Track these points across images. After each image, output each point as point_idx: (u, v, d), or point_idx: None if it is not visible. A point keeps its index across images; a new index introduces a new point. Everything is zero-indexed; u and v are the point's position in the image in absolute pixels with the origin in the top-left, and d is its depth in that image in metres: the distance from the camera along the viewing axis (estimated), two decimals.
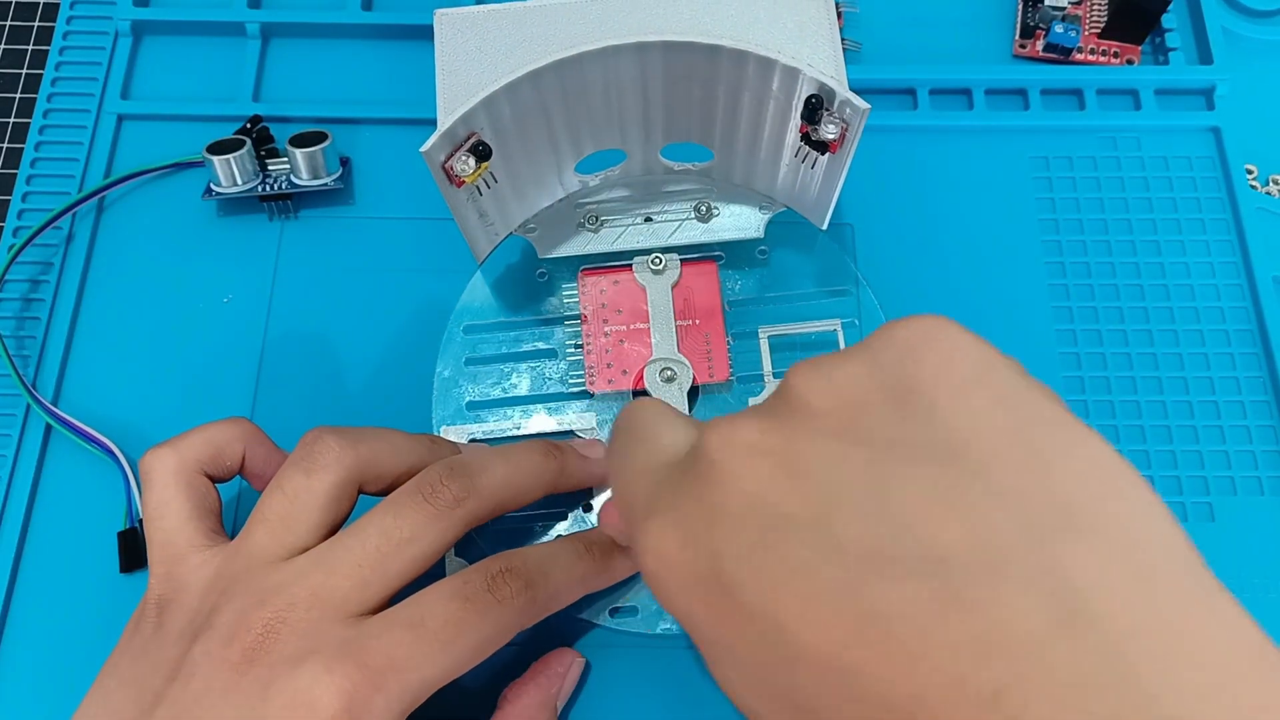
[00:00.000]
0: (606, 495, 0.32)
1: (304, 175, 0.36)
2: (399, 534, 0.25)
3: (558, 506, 0.31)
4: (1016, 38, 0.39)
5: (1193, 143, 0.38)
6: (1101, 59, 0.39)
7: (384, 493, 0.27)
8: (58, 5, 0.40)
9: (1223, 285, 0.35)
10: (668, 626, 0.30)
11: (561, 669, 0.29)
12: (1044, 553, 0.15)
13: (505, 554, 0.26)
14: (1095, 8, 0.39)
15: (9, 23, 0.42)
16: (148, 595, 0.26)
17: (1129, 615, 0.14)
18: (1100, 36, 0.39)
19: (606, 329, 0.33)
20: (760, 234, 0.34)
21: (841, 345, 0.33)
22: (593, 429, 0.32)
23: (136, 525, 0.32)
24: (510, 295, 0.35)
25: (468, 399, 0.33)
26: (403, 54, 0.39)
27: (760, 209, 0.34)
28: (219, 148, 0.35)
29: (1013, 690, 0.14)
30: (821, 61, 0.28)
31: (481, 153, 0.28)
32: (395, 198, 0.37)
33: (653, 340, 0.33)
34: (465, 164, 0.28)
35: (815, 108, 0.28)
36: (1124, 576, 0.15)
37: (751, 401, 0.33)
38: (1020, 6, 0.40)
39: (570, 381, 0.33)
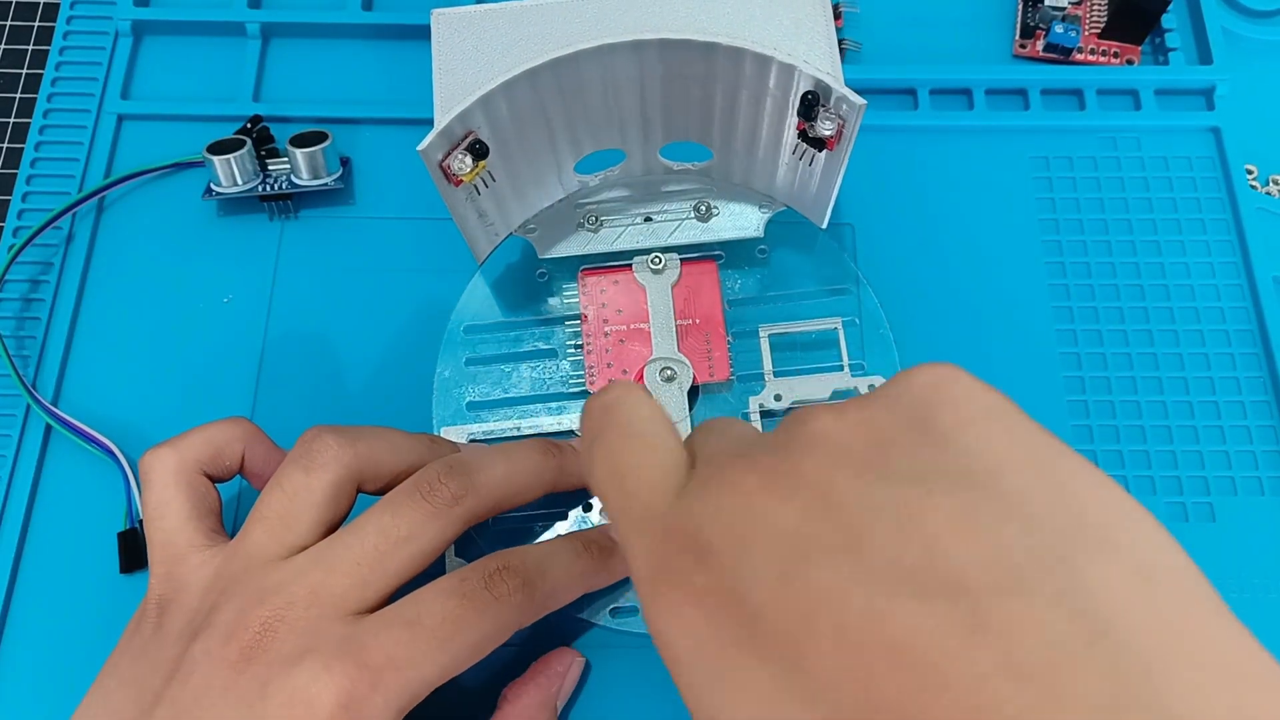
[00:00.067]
0: None
1: (304, 175, 0.36)
2: (397, 532, 0.25)
3: (558, 506, 0.31)
4: (1016, 38, 0.39)
5: (1193, 143, 0.38)
6: (1101, 59, 0.39)
7: (383, 491, 0.27)
8: (58, 5, 0.40)
9: (1223, 285, 0.35)
10: None
11: (561, 669, 0.29)
12: (1068, 574, 0.15)
13: (503, 552, 0.26)
14: (1095, 8, 0.39)
15: (9, 23, 0.42)
16: (148, 595, 0.26)
17: (1154, 636, 0.14)
18: (1100, 36, 0.39)
19: (607, 329, 0.33)
20: (760, 233, 0.34)
21: (842, 344, 0.33)
22: None
23: (136, 525, 0.32)
24: (510, 295, 0.35)
25: (468, 399, 0.33)
26: (403, 54, 0.39)
27: (760, 208, 0.34)
28: (219, 148, 0.35)
29: (1040, 716, 0.14)
30: (817, 58, 0.28)
31: (479, 151, 0.28)
32: (395, 198, 0.37)
33: (653, 340, 0.33)
34: (462, 163, 0.28)
35: (812, 104, 0.28)
36: (1147, 598, 0.15)
37: (751, 401, 0.33)
38: (1020, 6, 0.40)
39: (570, 381, 0.33)
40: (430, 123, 0.27)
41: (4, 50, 0.42)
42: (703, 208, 0.34)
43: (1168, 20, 0.39)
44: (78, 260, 0.36)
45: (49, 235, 0.36)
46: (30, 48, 0.42)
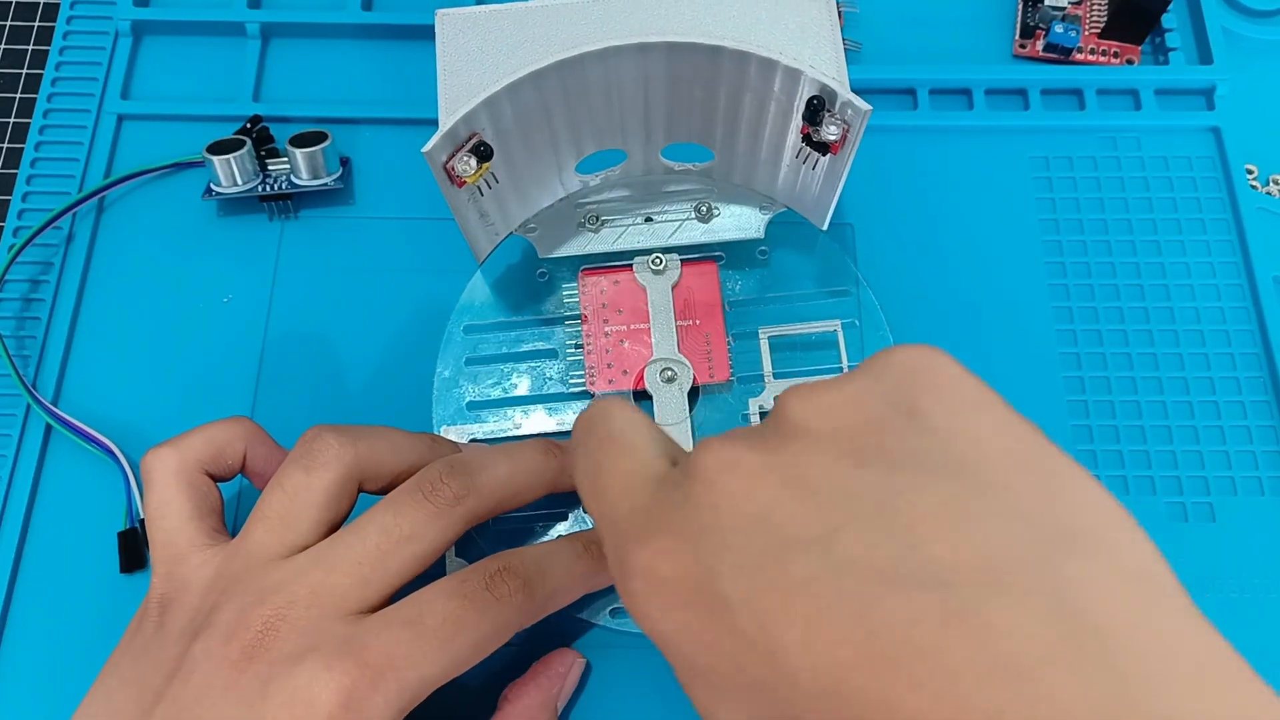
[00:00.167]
0: None
1: (304, 175, 0.36)
2: (399, 531, 0.25)
3: (558, 506, 0.31)
4: (1016, 38, 0.39)
5: (1193, 143, 0.38)
6: (1101, 59, 0.39)
7: (384, 491, 0.27)
8: (58, 5, 0.40)
9: (1223, 285, 0.35)
10: None
11: (562, 669, 0.29)
12: (1049, 571, 0.15)
13: (504, 553, 0.26)
14: (1095, 8, 0.39)
15: (9, 23, 0.42)
16: (150, 595, 0.26)
17: (1131, 637, 0.14)
18: (1100, 36, 0.39)
19: (607, 329, 0.33)
20: (760, 234, 0.34)
21: (842, 346, 0.33)
22: None
23: (137, 525, 0.32)
24: (510, 295, 0.35)
25: (468, 399, 0.33)
26: (403, 54, 0.39)
27: (760, 209, 0.34)
28: (219, 148, 0.35)
29: (1014, 714, 0.14)
30: (823, 63, 0.28)
31: (483, 153, 0.28)
32: (395, 198, 0.37)
33: (653, 340, 0.33)
34: (467, 164, 0.28)
35: (817, 109, 0.28)
36: (1127, 598, 0.15)
37: (751, 402, 0.33)
38: (1020, 6, 0.40)
39: (570, 381, 0.33)
40: (431, 123, 0.27)
41: (4, 50, 0.42)
42: (703, 208, 0.34)
43: (1168, 20, 0.39)
44: (78, 260, 0.36)
45: (49, 235, 0.36)
46: (30, 48, 0.42)
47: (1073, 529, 0.16)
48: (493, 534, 0.31)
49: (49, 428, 0.34)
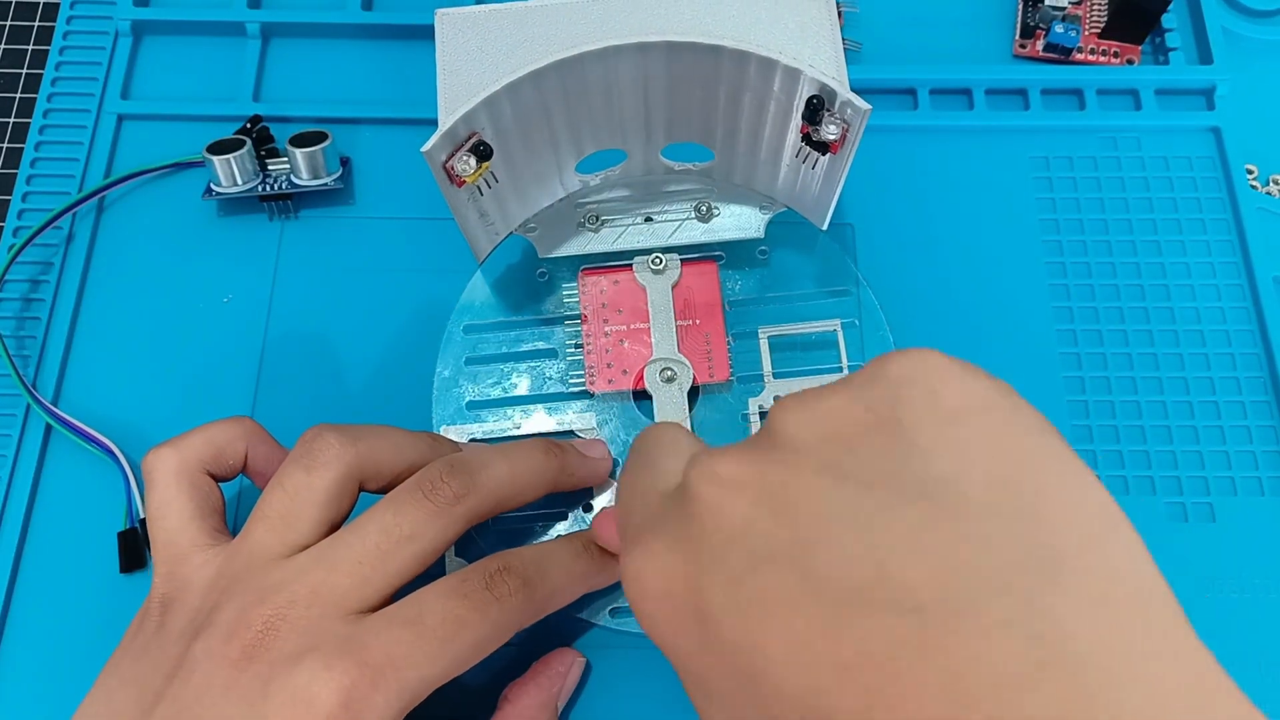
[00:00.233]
0: (607, 495, 0.32)
1: (304, 175, 0.36)
2: (399, 531, 0.25)
3: (558, 506, 0.31)
4: (1016, 38, 0.39)
5: (1193, 143, 0.38)
6: (1101, 59, 0.39)
7: (384, 490, 0.27)
8: (58, 5, 0.40)
9: (1223, 285, 0.35)
10: None
11: (562, 669, 0.29)
12: (1023, 596, 0.15)
13: (503, 553, 0.26)
14: (1095, 8, 0.39)
15: (9, 23, 0.42)
16: (151, 594, 0.26)
17: (1107, 662, 0.14)
18: (1100, 36, 0.39)
19: (607, 329, 0.33)
20: (760, 234, 0.34)
21: (841, 345, 0.33)
22: (593, 429, 0.32)
23: (137, 525, 0.32)
24: (510, 295, 0.35)
25: (468, 399, 0.33)
26: (403, 54, 0.39)
27: (760, 209, 0.34)
28: (219, 148, 0.35)
29: None
30: (823, 62, 0.27)
31: (482, 153, 0.28)
32: (395, 198, 0.37)
33: (653, 340, 0.33)
34: (466, 164, 0.28)
35: (816, 108, 0.28)
36: (1107, 625, 0.15)
37: (751, 402, 0.33)
38: (1020, 6, 0.40)
39: (570, 381, 0.33)
40: (431, 122, 0.27)
41: (4, 50, 0.42)
42: (703, 208, 0.34)
43: (1168, 20, 0.39)
44: (78, 260, 0.36)
45: (49, 235, 0.36)
46: (30, 48, 0.42)
47: (1054, 553, 0.15)
48: (493, 534, 0.31)
49: (49, 428, 0.34)
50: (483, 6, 0.29)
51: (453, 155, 0.28)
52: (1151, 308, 0.35)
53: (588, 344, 0.33)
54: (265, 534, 0.25)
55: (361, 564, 0.24)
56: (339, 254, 0.36)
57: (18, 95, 0.41)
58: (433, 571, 0.26)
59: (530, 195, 0.33)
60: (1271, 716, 0.15)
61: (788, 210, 0.34)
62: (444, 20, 0.29)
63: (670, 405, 0.32)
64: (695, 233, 0.34)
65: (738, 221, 0.34)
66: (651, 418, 0.32)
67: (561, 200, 0.34)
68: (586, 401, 0.33)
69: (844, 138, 0.28)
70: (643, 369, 0.33)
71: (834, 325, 0.33)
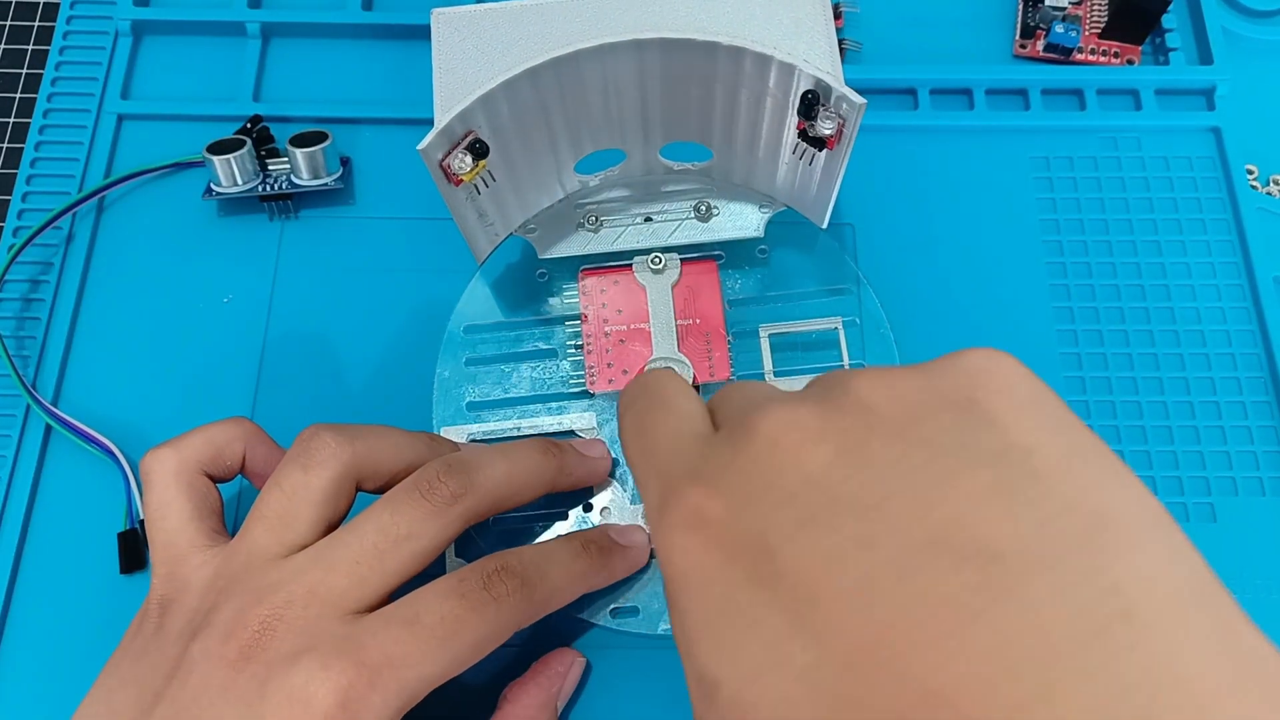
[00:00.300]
0: (607, 495, 0.31)
1: (304, 175, 0.36)
2: (396, 530, 0.25)
3: (558, 506, 0.31)
4: (1017, 38, 0.39)
5: (1193, 143, 0.37)
6: (1102, 59, 0.39)
7: (382, 490, 0.27)
8: (58, 5, 0.40)
9: (1223, 285, 0.35)
10: (668, 627, 0.30)
11: (562, 669, 0.29)
12: (1100, 557, 0.15)
13: (502, 553, 0.26)
14: (1095, 8, 0.39)
15: (9, 23, 0.42)
16: (150, 595, 0.26)
17: (1174, 631, 0.14)
18: (1100, 36, 0.39)
19: (607, 329, 0.33)
20: (760, 233, 0.34)
21: (843, 344, 0.33)
22: (593, 429, 0.32)
23: (137, 526, 0.32)
24: (510, 295, 0.35)
25: (468, 399, 0.33)
26: (403, 54, 0.39)
27: (760, 208, 0.34)
28: (219, 148, 0.35)
29: (1051, 694, 0.14)
30: (817, 57, 0.28)
31: (479, 151, 0.28)
32: (395, 198, 0.37)
33: (653, 340, 0.33)
34: (463, 162, 0.28)
35: (812, 103, 0.28)
36: (1171, 593, 0.15)
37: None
38: (1020, 6, 0.40)
39: (570, 382, 0.33)
40: (430, 122, 0.27)
41: (4, 50, 0.42)
42: (703, 208, 0.34)
43: (1168, 20, 0.39)
44: (78, 260, 0.36)
45: (49, 235, 0.36)
46: (30, 48, 0.42)
47: (1120, 521, 0.16)
48: (493, 534, 0.31)
49: (49, 428, 0.34)
50: (479, 6, 0.29)
51: (449, 153, 0.28)
52: (1152, 308, 0.35)
53: (588, 344, 0.33)
54: (263, 534, 0.25)
55: (359, 564, 0.24)
56: (339, 254, 0.36)
57: (18, 95, 0.41)
58: (431, 571, 0.26)
59: (529, 195, 0.33)
60: None
61: (787, 209, 0.34)
62: (440, 19, 0.29)
63: None
64: (695, 232, 0.34)
65: (737, 221, 0.34)
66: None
67: (561, 200, 0.34)
68: (586, 401, 0.33)
69: (840, 133, 0.28)
70: (643, 368, 0.33)
71: (835, 323, 0.33)
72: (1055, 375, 0.34)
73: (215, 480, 0.28)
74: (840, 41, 0.36)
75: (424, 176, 0.28)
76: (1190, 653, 0.14)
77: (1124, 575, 0.15)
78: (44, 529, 0.33)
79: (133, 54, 0.39)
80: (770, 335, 0.33)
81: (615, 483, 0.32)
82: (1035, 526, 0.16)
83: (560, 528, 0.31)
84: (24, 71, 0.41)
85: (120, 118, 0.38)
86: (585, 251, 0.34)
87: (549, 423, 0.33)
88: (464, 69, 0.28)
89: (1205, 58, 0.38)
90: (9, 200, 0.37)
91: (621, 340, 0.33)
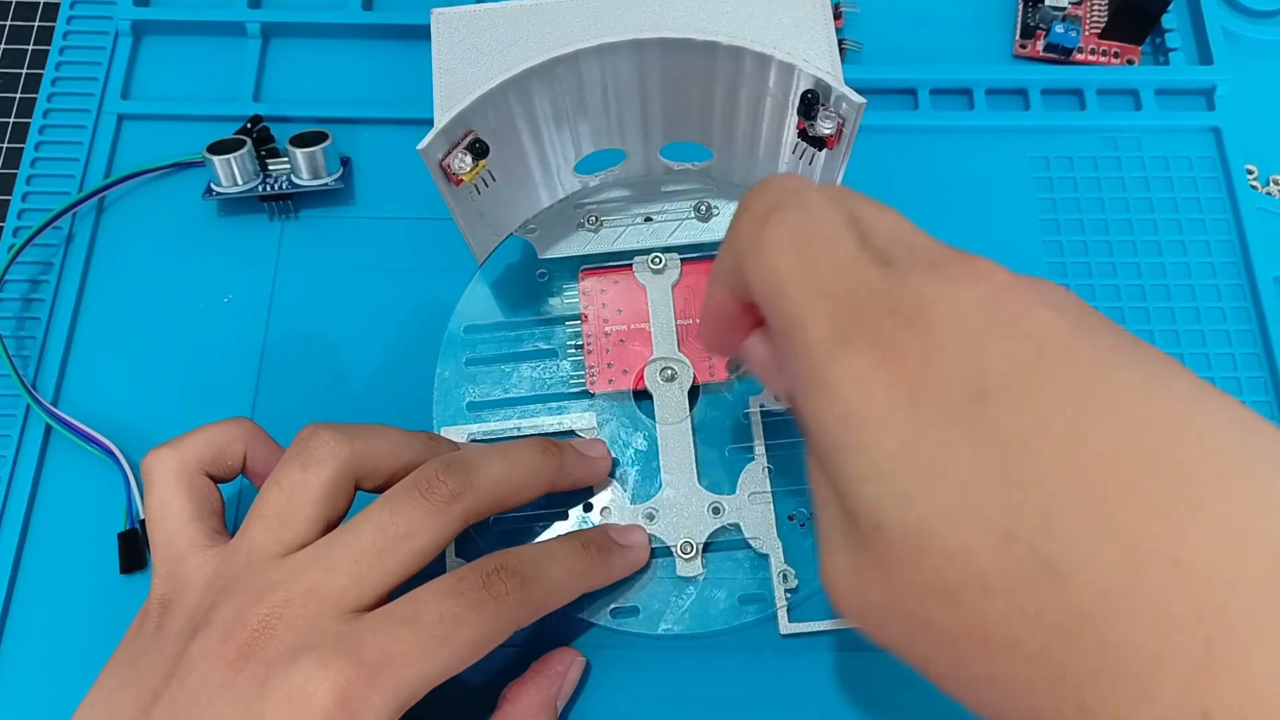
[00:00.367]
0: (608, 495, 0.31)
1: (304, 175, 0.36)
2: (395, 530, 0.25)
3: (558, 506, 0.31)
4: (1017, 38, 0.39)
5: (1193, 143, 0.38)
6: (1102, 59, 0.39)
7: (381, 489, 0.27)
8: (58, 5, 0.40)
9: (1223, 285, 0.35)
10: (668, 627, 0.30)
11: (561, 668, 0.29)
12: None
13: (502, 552, 0.26)
14: (1095, 8, 0.39)
15: (9, 23, 0.42)
16: (150, 595, 0.26)
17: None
18: (1100, 37, 0.39)
19: (607, 329, 0.33)
20: None
21: None
22: (593, 429, 0.32)
23: (137, 526, 0.32)
24: (510, 295, 0.35)
25: (468, 399, 0.33)
26: (403, 54, 0.39)
27: None
28: (219, 148, 0.35)
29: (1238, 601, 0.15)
30: (817, 57, 0.28)
31: (479, 150, 0.28)
32: (395, 198, 0.37)
33: (653, 340, 0.33)
34: (463, 162, 0.28)
35: (811, 103, 0.28)
36: None
37: (752, 400, 0.32)
38: (1020, 6, 0.40)
39: (571, 382, 0.33)
40: (430, 122, 0.27)
41: (4, 50, 0.42)
42: (703, 207, 0.34)
43: (1168, 20, 0.39)
44: (78, 260, 0.36)
45: (49, 235, 0.36)
46: (30, 48, 0.42)
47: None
48: (492, 534, 0.31)
49: (49, 428, 0.34)
50: (479, 6, 0.29)
51: (449, 153, 0.28)
52: (1152, 307, 0.35)
53: (588, 344, 0.33)
54: (262, 533, 0.25)
55: (358, 562, 0.24)
56: (339, 254, 0.36)
57: (18, 95, 0.41)
58: (431, 571, 0.26)
59: (529, 195, 0.33)
60: None
61: None
62: (440, 20, 0.29)
63: (671, 404, 0.32)
64: (695, 232, 0.34)
65: None
66: (652, 417, 0.32)
67: (561, 200, 0.34)
68: (587, 401, 0.33)
69: (839, 132, 0.28)
70: (643, 368, 0.33)
71: None
72: None
73: (216, 480, 0.28)
74: (840, 41, 0.36)
75: (424, 176, 0.28)
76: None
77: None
78: (44, 529, 0.33)
79: (133, 54, 0.39)
80: None
81: (615, 483, 0.32)
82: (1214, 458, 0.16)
83: (560, 528, 0.31)
84: (24, 71, 0.41)
85: (120, 118, 0.38)
86: (585, 251, 0.34)
87: (549, 423, 0.33)
88: (464, 69, 0.28)
89: (1205, 58, 0.39)
90: (9, 200, 0.37)
91: (622, 340, 0.33)
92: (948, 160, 0.37)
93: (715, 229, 0.34)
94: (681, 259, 0.34)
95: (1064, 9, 0.39)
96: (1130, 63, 0.39)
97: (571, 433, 0.33)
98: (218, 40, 0.40)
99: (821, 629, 0.30)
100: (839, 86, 0.27)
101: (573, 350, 0.33)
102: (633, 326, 0.33)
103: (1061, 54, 0.39)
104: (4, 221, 0.37)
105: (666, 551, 0.31)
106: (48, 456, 0.34)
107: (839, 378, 0.18)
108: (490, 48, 0.28)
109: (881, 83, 0.38)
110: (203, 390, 0.34)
